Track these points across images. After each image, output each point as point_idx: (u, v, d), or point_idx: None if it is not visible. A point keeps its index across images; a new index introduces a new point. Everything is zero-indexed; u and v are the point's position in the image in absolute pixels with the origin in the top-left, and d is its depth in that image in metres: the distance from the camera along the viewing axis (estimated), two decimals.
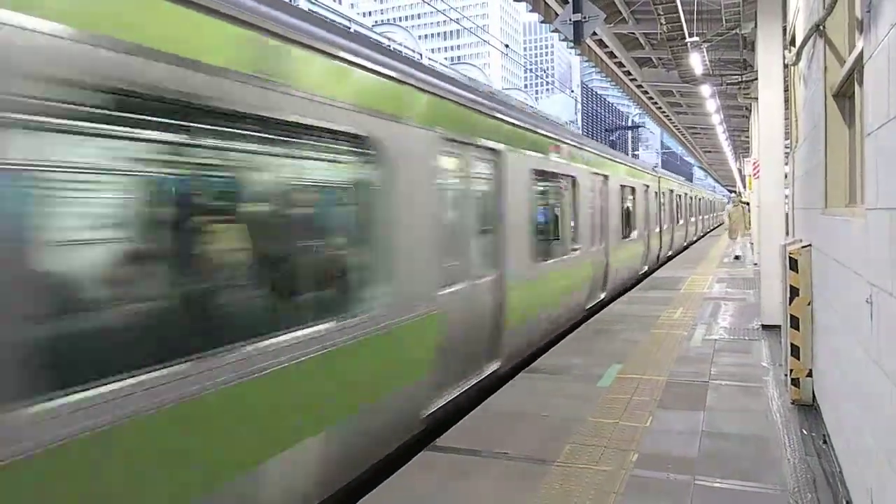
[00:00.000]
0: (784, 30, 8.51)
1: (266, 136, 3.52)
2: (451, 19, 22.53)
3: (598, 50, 17.77)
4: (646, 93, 24.55)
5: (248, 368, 3.17)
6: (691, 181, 44.78)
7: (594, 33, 13.82)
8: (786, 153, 8.81)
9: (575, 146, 9.55)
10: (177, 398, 2.75)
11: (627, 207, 13.63)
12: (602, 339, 8.13)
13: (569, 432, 4.83)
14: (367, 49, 4.39)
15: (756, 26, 9.66)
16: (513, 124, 6.97)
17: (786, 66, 8.12)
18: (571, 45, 14.80)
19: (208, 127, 3.14)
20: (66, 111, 2.48)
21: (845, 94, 4.25)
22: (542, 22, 14.13)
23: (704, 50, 14.90)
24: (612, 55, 18.34)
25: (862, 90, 3.33)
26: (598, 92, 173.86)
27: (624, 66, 19.75)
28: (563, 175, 8.93)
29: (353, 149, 4.22)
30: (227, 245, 3.39)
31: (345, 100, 3.99)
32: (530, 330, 7.38)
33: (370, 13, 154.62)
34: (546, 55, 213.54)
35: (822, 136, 4.49)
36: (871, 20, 2.73)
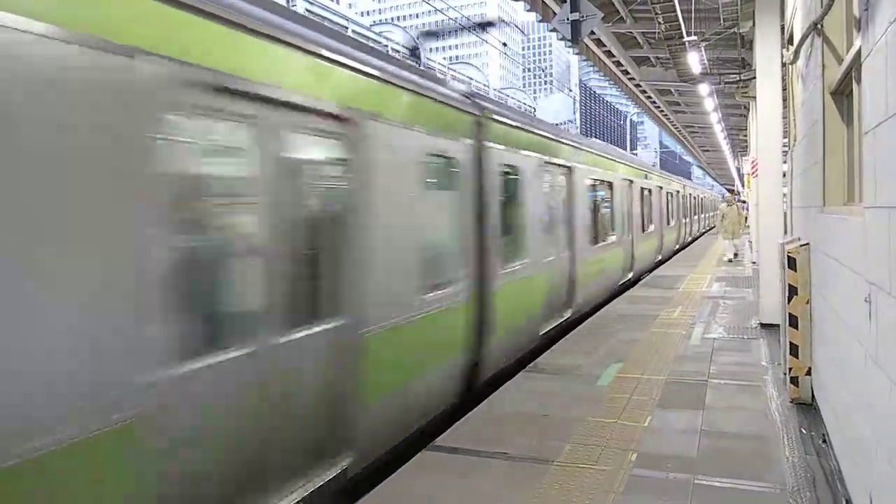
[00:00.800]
0: (782, 28, 8.51)
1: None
2: (450, 19, 22.46)
3: (595, 49, 17.76)
4: (644, 92, 24.55)
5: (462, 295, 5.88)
6: (690, 179, 46.30)
7: (592, 32, 13.79)
8: (784, 151, 8.80)
9: (611, 159, 12.61)
10: (434, 309, 5.26)
11: (644, 206, 16.07)
12: (601, 338, 8.14)
13: (568, 432, 4.83)
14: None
15: (754, 25, 9.66)
16: (575, 147, 9.93)
17: (784, 64, 8.13)
18: (569, 44, 14.81)
19: None
20: None
21: (843, 93, 4.25)
22: (539, 21, 14.12)
23: (702, 49, 14.90)
24: (610, 54, 18.34)
25: (860, 88, 3.32)
26: (597, 91, 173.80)
27: (622, 65, 19.75)
28: (604, 182, 11.76)
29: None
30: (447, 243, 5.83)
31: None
32: (587, 293, 10.14)
33: (367, 13, 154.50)
34: (544, 54, 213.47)
35: (821, 135, 4.49)
36: (869, 18, 2.72)
